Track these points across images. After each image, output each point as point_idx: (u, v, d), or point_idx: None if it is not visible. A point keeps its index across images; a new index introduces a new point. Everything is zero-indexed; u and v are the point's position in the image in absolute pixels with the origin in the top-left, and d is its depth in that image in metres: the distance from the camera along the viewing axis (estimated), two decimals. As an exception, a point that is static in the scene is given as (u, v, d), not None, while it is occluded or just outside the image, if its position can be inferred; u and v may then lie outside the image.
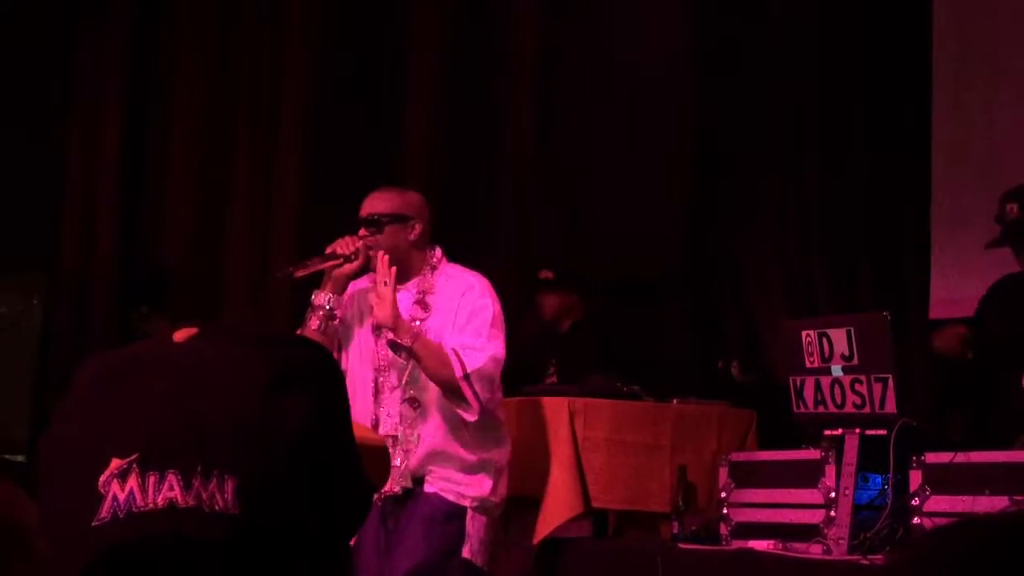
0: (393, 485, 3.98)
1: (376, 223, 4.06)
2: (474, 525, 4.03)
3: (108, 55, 6.66)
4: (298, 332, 4.05)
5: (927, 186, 5.97)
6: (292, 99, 6.69)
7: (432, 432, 4.02)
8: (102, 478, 0.93)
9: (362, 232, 4.06)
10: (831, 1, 6.35)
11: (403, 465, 3.99)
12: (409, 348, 3.92)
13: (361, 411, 4.01)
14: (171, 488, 0.92)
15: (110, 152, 6.59)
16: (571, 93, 6.69)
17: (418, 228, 4.09)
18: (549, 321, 5.91)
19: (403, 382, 4.04)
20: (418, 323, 4.03)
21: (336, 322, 4.09)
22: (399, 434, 4.01)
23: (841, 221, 6.27)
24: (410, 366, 4.03)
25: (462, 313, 4.02)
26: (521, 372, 5.19)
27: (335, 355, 4.10)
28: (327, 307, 4.05)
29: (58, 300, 6.56)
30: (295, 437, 0.98)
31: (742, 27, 6.59)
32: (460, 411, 3.97)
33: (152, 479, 0.93)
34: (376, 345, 4.10)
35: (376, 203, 4.11)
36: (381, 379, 4.07)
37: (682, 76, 6.67)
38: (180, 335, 1.03)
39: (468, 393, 3.93)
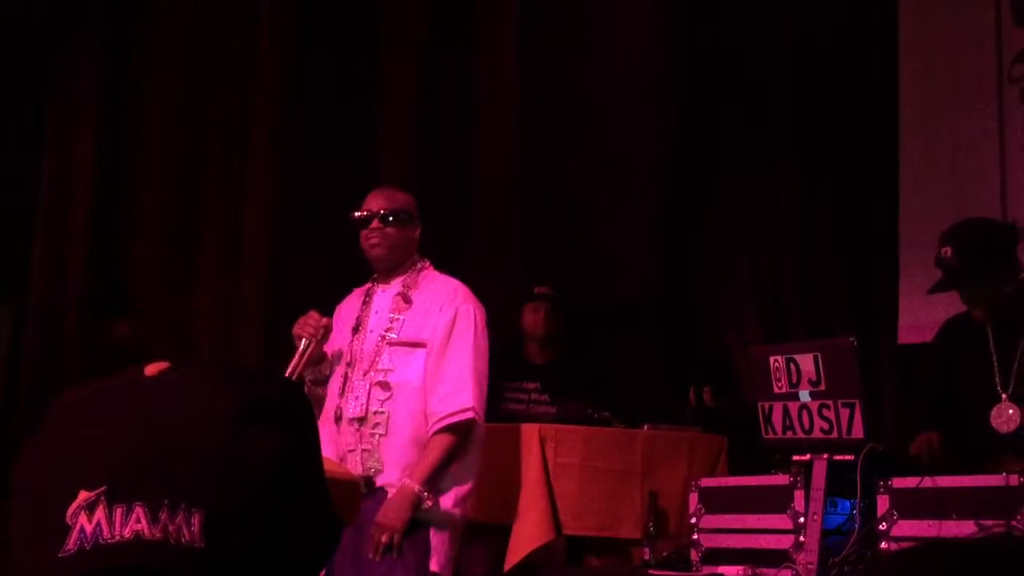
0: (358, 467, 4.00)
1: (396, 215, 4.15)
2: (438, 538, 4.04)
3: (81, 82, 6.66)
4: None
5: (895, 213, 6.03)
6: (263, 125, 6.69)
7: (400, 419, 4.05)
8: (70, 510, 0.95)
9: (375, 224, 4.14)
10: (803, 33, 6.41)
11: (373, 447, 4.02)
12: (425, 490, 3.98)
13: (329, 405, 4.14)
14: (138, 520, 0.94)
15: (82, 179, 6.58)
16: (545, 121, 6.72)
17: (419, 229, 4.24)
18: (532, 336, 5.84)
19: (374, 367, 4.09)
20: (399, 316, 4.11)
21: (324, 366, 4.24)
22: (366, 415, 4.05)
23: (812, 248, 6.31)
24: (382, 354, 4.08)
25: (444, 318, 4.08)
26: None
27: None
28: (324, 376, 4.22)
29: (27, 329, 6.53)
30: (264, 471, 0.99)
31: (716, 56, 6.65)
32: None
33: (119, 511, 0.94)
34: (351, 343, 4.15)
35: (385, 198, 4.21)
36: (351, 371, 4.13)
37: (655, 105, 6.71)
38: (151, 369, 1.04)
39: (482, 420, 4.10)
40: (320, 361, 4.19)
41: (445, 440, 4.01)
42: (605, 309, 6.47)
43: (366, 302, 4.24)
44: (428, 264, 4.26)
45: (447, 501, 4.06)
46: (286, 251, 6.28)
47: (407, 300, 4.14)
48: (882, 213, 6.07)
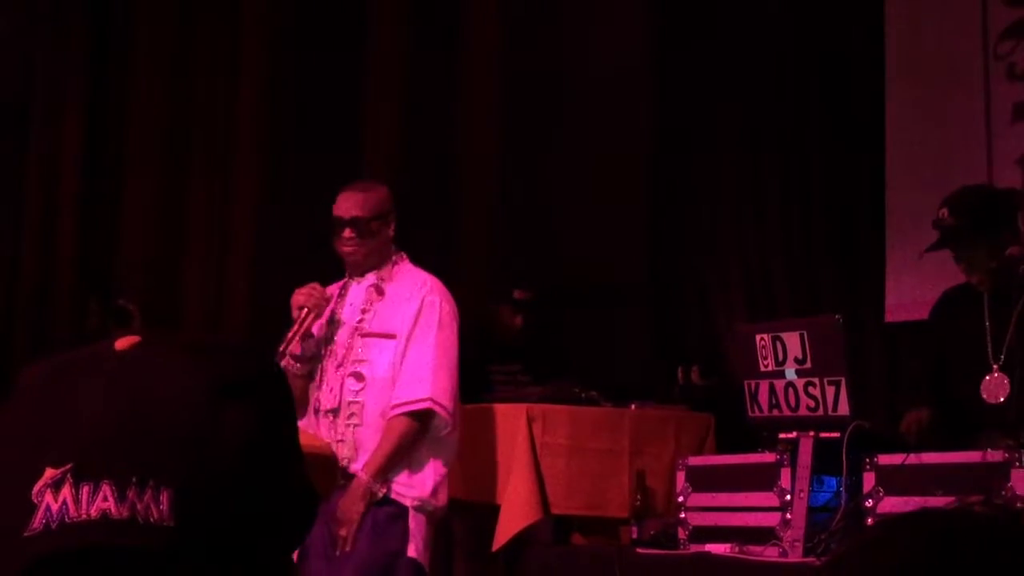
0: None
1: (366, 225, 4.15)
2: (416, 524, 4.06)
3: (66, 80, 6.63)
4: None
5: (882, 191, 6.02)
6: (248, 120, 6.67)
7: (374, 410, 4.06)
8: (36, 488, 0.93)
9: (347, 233, 4.13)
10: (785, 8, 6.39)
11: (347, 438, 4.03)
12: (373, 481, 3.97)
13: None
14: (105, 499, 0.92)
15: (69, 180, 6.56)
16: (530, 103, 6.71)
17: (393, 223, 4.23)
18: (507, 339, 5.87)
19: (347, 359, 4.09)
20: (371, 308, 4.13)
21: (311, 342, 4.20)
22: (339, 405, 4.06)
23: (799, 227, 6.31)
24: (355, 345, 4.07)
25: (410, 309, 4.10)
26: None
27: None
28: (308, 354, 4.18)
29: (15, 318, 6.51)
30: (237, 447, 0.97)
31: (698, 36, 6.63)
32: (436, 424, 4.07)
33: (86, 489, 0.92)
34: (326, 335, 4.16)
35: (358, 205, 4.18)
36: (326, 364, 4.15)
37: (640, 85, 6.70)
38: (122, 343, 1.02)
39: (443, 413, 4.04)
40: (308, 337, 4.18)
41: (400, 427, 4.02)
42: (595, 289, 6.47)
43: (342, 295, 4.25)
44: (404, 257, 4.27)
45: (424, 488, 4.08)
46: (271, 246, 6.26)
47: (380, 292, 4.17)
48: (868, 192, 6.06)
